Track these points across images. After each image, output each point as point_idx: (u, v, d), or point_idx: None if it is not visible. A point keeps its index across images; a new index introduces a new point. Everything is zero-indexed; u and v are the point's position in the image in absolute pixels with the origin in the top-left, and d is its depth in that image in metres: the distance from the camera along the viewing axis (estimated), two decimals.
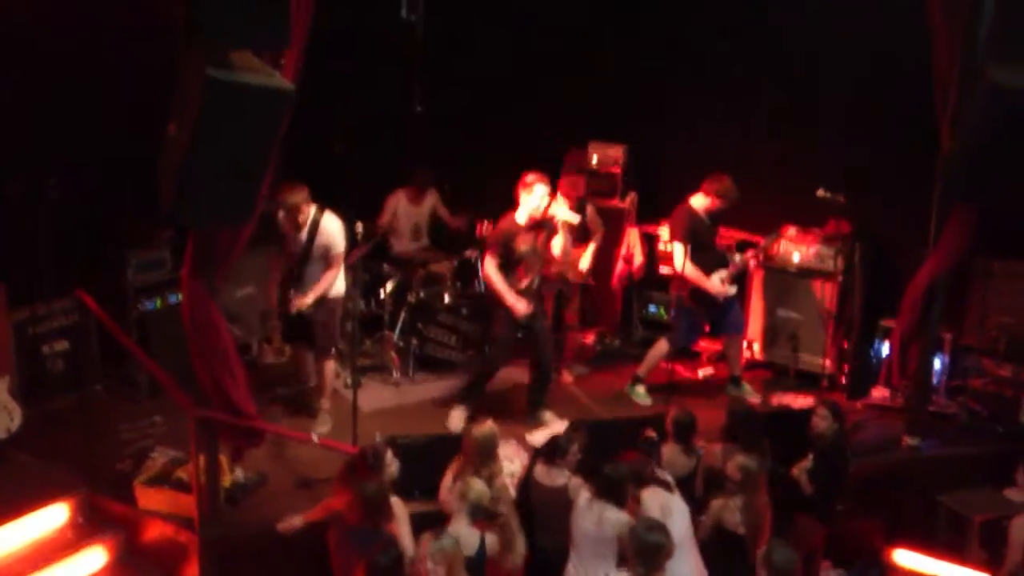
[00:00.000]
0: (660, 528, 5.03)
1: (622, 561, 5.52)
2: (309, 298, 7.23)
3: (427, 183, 9.24)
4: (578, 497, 5.77)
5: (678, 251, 7.97)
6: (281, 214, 7.27)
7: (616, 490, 5.68)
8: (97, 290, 7.17)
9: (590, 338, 8.99)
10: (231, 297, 8.05)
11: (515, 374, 8.27)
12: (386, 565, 4.91)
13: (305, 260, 7.27)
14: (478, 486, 5.58)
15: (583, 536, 5.68)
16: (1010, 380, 8.25)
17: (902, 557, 7.26)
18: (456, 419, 7.56)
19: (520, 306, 7.45)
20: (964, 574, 6.78)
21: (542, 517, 6.08)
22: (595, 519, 5.61)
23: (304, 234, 7.22)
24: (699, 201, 7.99)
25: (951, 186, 7.04)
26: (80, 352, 7.57)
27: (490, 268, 7.51)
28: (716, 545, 5.74)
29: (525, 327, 7.60)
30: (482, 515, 5.51)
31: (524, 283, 7.51)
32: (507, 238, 7.46)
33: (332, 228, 7.25)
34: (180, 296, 6.75)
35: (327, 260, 7.27)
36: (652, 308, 9.27)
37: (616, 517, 5.66)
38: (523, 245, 7.46)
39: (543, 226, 7.60)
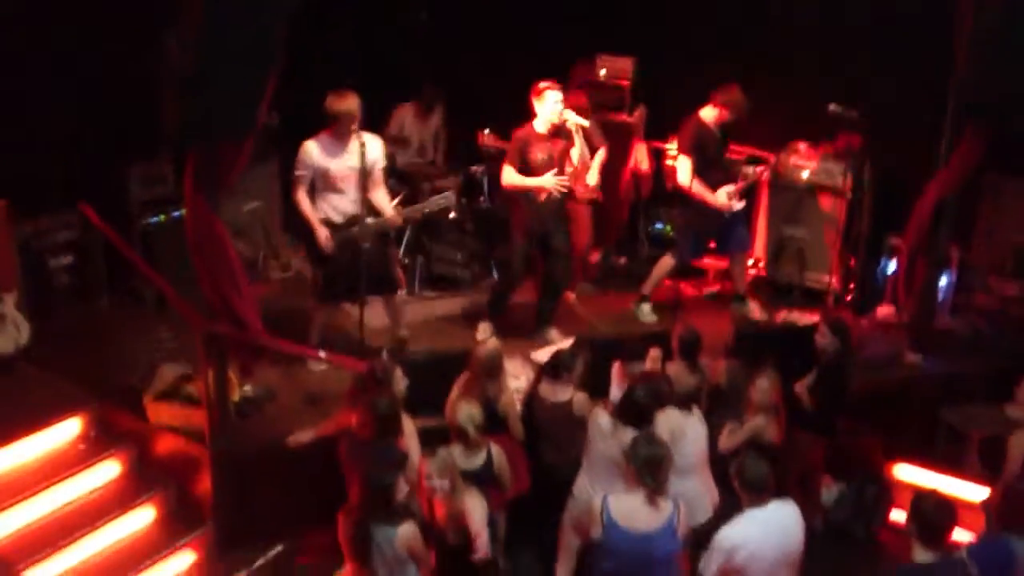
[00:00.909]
0: (658, 441, 5.09)
1: None
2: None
3: (435, 100, 9.12)
4: (596, 418, 5.79)
5: (683, 165, 7.90)
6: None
7: (641, 414, 5.68)
8: (100, 205, 7.14)
9: (595, 256, 8.96)
10: (235, 212, 8.02)
11: (520, 292, 8.33)
12: (385, 483, 4.96)
13: (362, 179, 6.72)
14: (466, 409, 5.63)
15: (601, 457, 5.72)
16: (1016, 298, 8.28)
17: (901, 471, 7.36)
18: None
19: (542, 182, 7.33)
20: (962, 487, 6.86)
21: (547, 432, 6.15)
22: (616, 443, 5.60)
23: (353, 151, 6.73)
24: (708, 113, 7.88)
25: (964, 104, 6.99)
26: (85, 266, 7.56)
27: (508, 174, 7.42)
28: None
29: (540, 239, 7.57)
30: (472, 435, 5.56)
31: (542, 196, 7.46)
32: (523, 145, 7.36)
33: (377, 143, 6.94)
34: (183, 211, 6.74)
35: (373, 178, 6.93)
36: (659, 225, 9.21)
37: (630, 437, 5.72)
38: (539, 153, 7.37)
39: (560, 135, 7.50)
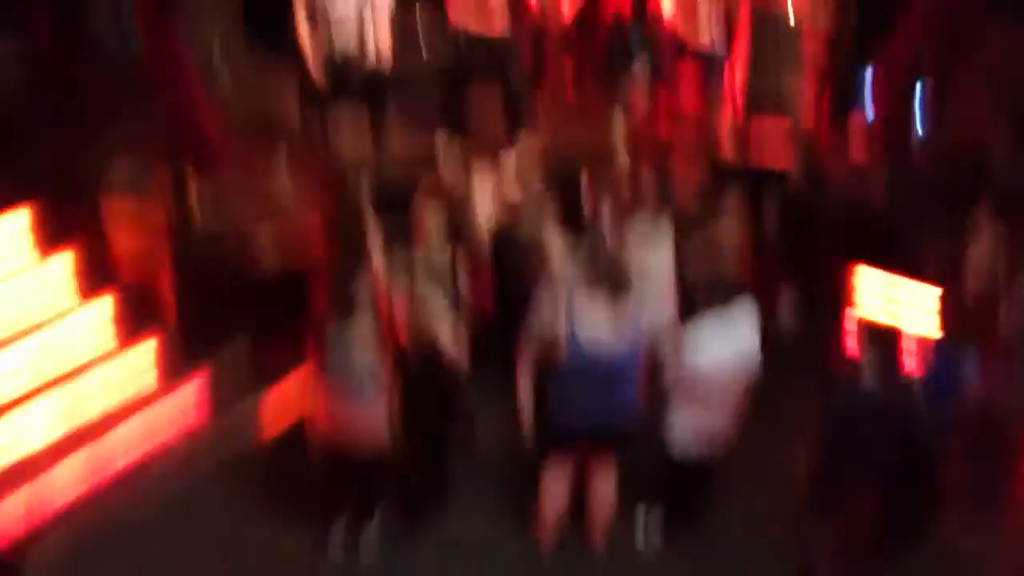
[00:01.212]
0: (621, 256, 5.21)
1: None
2: None
3: None
4: (547, 237, 5.77)
5: None
6: None
7: (576, 214, 5.79)
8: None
9: None
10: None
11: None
12: (347, 281, 4.98)
13: None
14: (431, 208, 5.59)
15: (559, 273, 5.70)
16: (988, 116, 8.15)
17: (859, 278, 7.39)
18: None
19: None
20: (916, 291, 6.93)
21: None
22: (573, 254, 5.68)
23: None
24: None
25: None
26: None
27: None
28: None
29: None
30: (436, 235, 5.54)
31: None
32: None
33: None
34: None
35: None
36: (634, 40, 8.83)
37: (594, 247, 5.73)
38: None
39: None
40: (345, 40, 6.75)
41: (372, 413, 5.10)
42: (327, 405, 5.17)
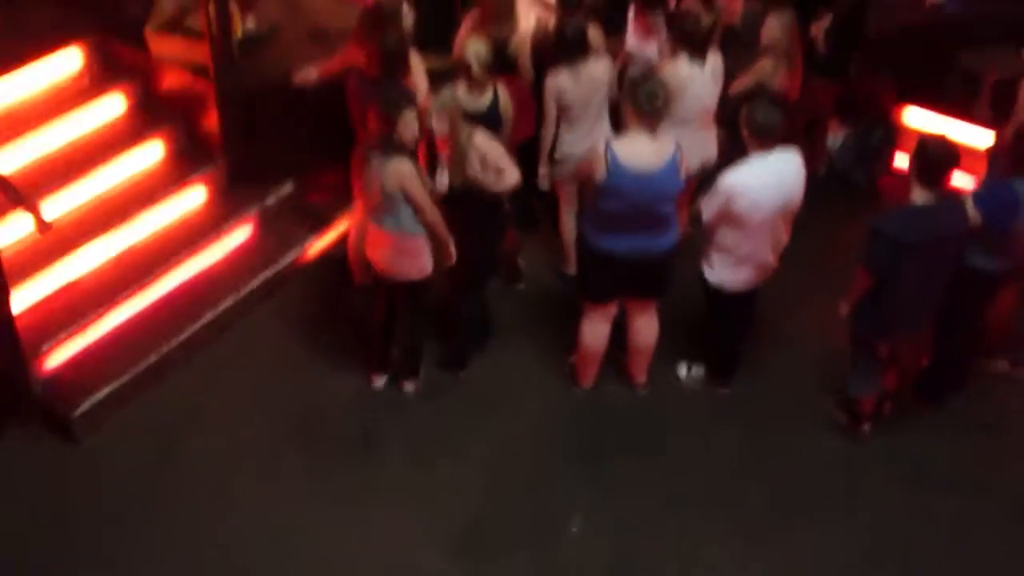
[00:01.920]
0: (652, 77, 5.01)
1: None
2: None
3: None
4: (556, 77, 5.64)
5: None
6: None
7: (577, 41, 5.61)
8: None
9: None
10: None
11: None
12: (392, 112, 4.84)
13: None
14: (474, 46, 5.42)
15: (573, 103, 5.69)
16: None
17: (910, 115, 7.33)
18: None
19: None
20: (971, 131, 6.86)
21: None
22: (590, 81, 5.63)
23: None
24: None
25: None
26: None
27: None
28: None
29: None
30: (479, 73, 5.38)
31: None
32: None
33: None
34: None
35: None
36: None
37: (598, 69, 5.67)
38: None
39: None
40: None
41: (415, 244, 5.13)
42: (372, 236, 5.23)
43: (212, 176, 6.32)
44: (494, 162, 5.16)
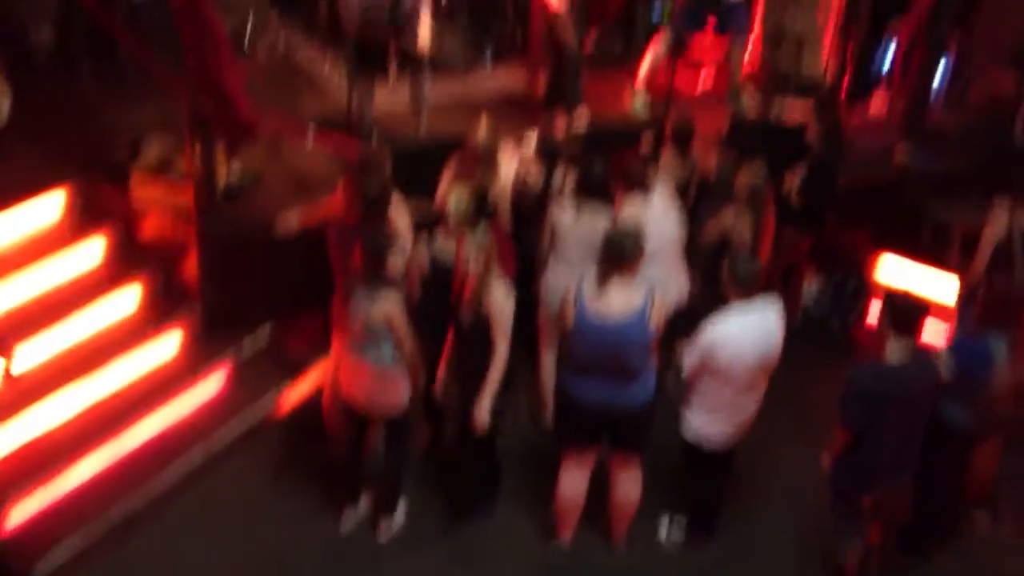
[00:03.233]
0: (630, 228, 5.07)
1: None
2: None
3: None
4: (556, 212, 5.79)
5: None
6: None
7: (591, 183, 5.74)
8: None
9: (588, 42, 8.63)
10: None
11: (513, 79, 8.15)
12: (378, 249, 4.96)
13: None
14: (455, 194, 5.51)
15: (569, 246, 5.78)
16: (1009, 93, 8.15)
17: (884, 265, 7.45)
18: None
19: None
20: (943, 279, 6.98)
21: (536, 216, 6.12)
22: (583, 227, 5.72)
23: None
24: None
25: None
26: (67, 36, 7.23)
27: None
28: (719, 254, 5.79)
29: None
30: (460, 222, 5.46)
31: None
32: None
33: None
34: None
35: None
36: (656, 8, 8.88)
37: (598, 216, 5.76)
38: None
39: None
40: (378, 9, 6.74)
41: (394, 376, 5.15)
42: (351, 370, 5.23)
43: (188, 321, 6.28)
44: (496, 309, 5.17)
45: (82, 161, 6.46)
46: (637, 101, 8.10)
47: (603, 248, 4.95)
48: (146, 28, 7.21)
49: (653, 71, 8.09)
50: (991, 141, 8.00)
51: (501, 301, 5.12)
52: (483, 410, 5.18)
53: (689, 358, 5.13)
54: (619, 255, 4.89)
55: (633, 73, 8.19)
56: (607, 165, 5.88)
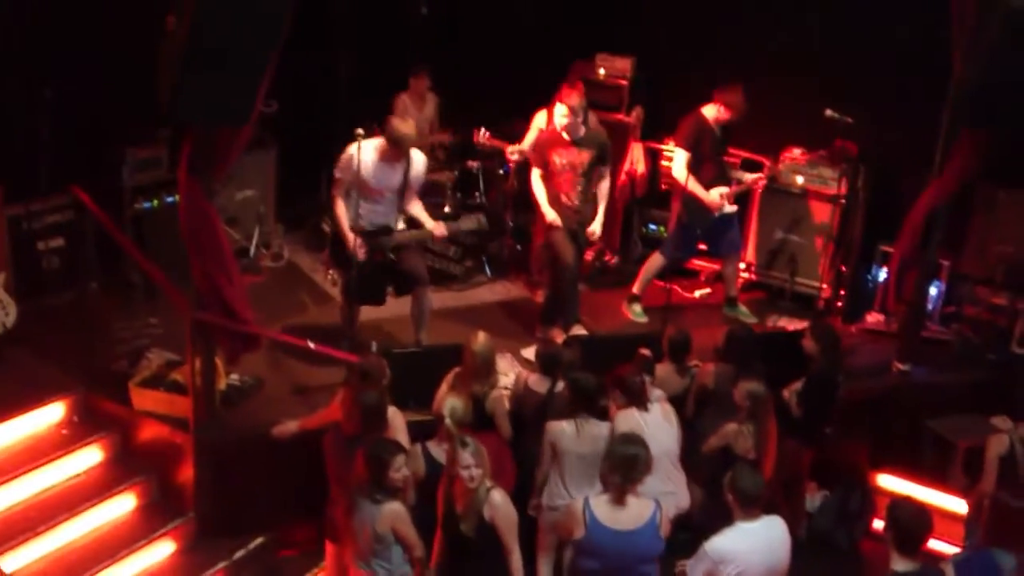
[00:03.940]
0: (637, 441, 5.06)
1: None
2: (442, 229, 7.13)
3: (426, 84, 9.04)
4: (555, 427, 5.80)
5: (679, 157, 7.98)
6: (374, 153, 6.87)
7: (589, 399, 5.78)
8: (93, 188, 7.07)
9: (589, 255, 8.92)
10: (229, 200, 8.00)
11: (511, 290, 8.30)
12: (382, 458, 4.95)
13: (402, 193, 7.02)
14: (450, 402, 5.60)
15: (572, 460, 5.76)
16: (1005, 308, 8.28)
17: (885, 480, 7.38)
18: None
19: (550, 215, 7.51)
20: (943, 499, 6.90)
21: (534, 425, 6.12)
22: (585, 441, 5.73)
23: (398, 170, 6.95)
24: (710, 111, 7.96)
25: (961, 112, 6.97)
26: (76, 250, 7.47)
27: (533, 178, 7.62)
28: (722, 466, 5.76)
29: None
30: (448, 428, 5.47)
31: (562, 197, 7.55)
32: (544, 147, 7.56)
33: (422, 159, 7.12)
34: (177, 197, 6.69)
35: (413, 191, 7.13)
36: (652, 226, 9.19)
37: (599, 431, 5.77)
38: (559, 157, 7.46)
39: (583, 143, 7.52)
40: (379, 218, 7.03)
41: None
42: None
43: (182, 530, 6.23)
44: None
45: (84, 372, 6.60)
46: (633, 307, 8.25)
47: (613, 461, 4.94)
48: (151, 239, 7.52)
49: (649, 285, 8.28)
50: (987, 357, 8.07)
51: (504, 507, 5.07)
52: None
53: (693, 572, 5.00)
54: (632, 467, 4.89)
55: (630, 285, 8.37)
56: (600, 379, 5.94)
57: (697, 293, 8.88)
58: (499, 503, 5.08)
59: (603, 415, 5.93)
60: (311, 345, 6.69)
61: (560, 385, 6.13)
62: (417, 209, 7.15)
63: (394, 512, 4.97)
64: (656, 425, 5.93)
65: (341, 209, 6.94)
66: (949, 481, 7.13)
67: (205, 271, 6.09)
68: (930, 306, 8.22)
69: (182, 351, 6.38)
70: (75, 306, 7.32)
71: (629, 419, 5.87)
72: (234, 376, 6.66)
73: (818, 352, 6.72)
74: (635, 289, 8.32)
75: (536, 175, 7.63)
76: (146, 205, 7.73)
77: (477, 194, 8.95)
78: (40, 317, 6.97)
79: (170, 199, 7.60)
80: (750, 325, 8.22)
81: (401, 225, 7.11)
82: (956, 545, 6.24)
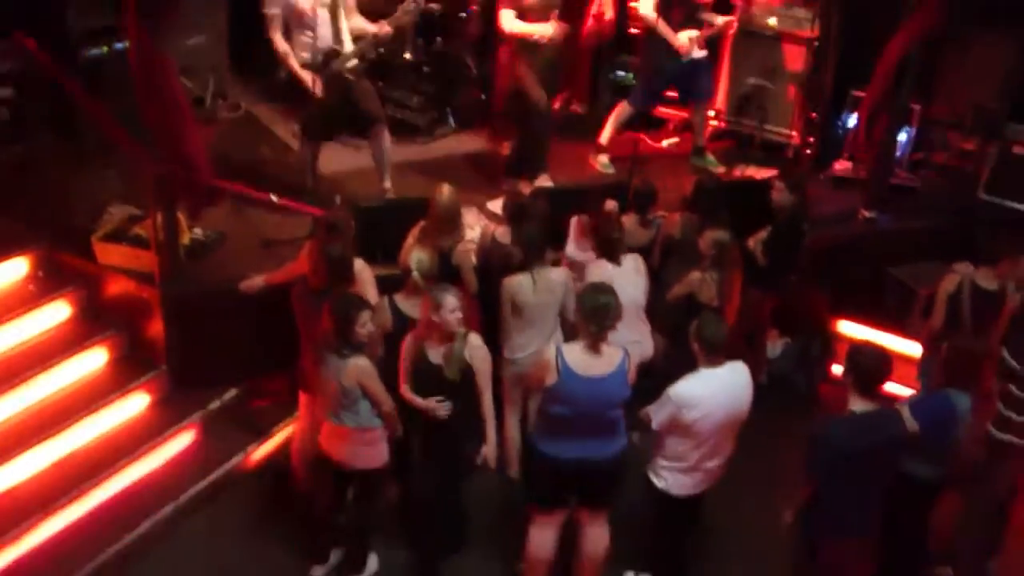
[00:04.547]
0: (607, 290, 5.07)
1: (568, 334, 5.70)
2: (385, 26, 6.83)
3: None
4: (513, 282, 5.82)
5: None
6: None
7: (539, 250, 5.84)
8: (38, 35, 6.77)
9: (555, 104, 8.76)
10: (180, 47, 7.70)
11: (476, 141, 8.18)
12: (347, 314, 4.96)
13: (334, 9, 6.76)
14: (416, 254, 5.60)
15: (533, 311, 5.83)
16: (973, 153, 8.30)
17: (846, 327, 7.51)
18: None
19: (541, 31, 7.33)
20: (902, 344, 7.04)
21: (502, 278, 6.14)
22: (543, 292, 5.79)
23: None
24: None
25: None
26: (25, 102, 7.22)
27: (507, 19, 7.36)
28: (686, 314, 5.81)
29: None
30: (416, 280, 5.52)
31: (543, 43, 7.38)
32: None
33: None
34: (127, 43, 6.44)
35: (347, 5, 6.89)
36: (620, 73, 9.02)
37: (556, 277, 5.84)
38: None
39: None
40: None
41: (374, 436, 5.19)
42: (330, 432, 5.24)
43: (155, 383, 6.26)
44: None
45: (44, 227, 6.48)
46: (600, 159, 8.18)
47: (585, 311, 4.95)
48: (105, 91, 7.22)
49: (616, 134, 8.19)
50: (953, 204, 8.12)
51: (481, 349, 5.23)
52: (492, 446, 5.35)
53: (657, 416, 5.13)
54: (604, 316, 4.90)
55: (597, 135, 8.28)
56: (544, 227, 5.95)
57: (665, 143, 8.81)
58: (477, 344, 5.22)
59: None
60: (274, 199, 6.60)
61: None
62: (357, 21, 6.93)
63: (360, 367, 5.01)
64: (625, 277, 5.98)
65: (284, 47, 6.74)
66: (908, 327, 7.25)
67: (161, 122, 5.93)
68: (899, 152, 8.20)
69: (143, 205, 6.28)
70: (27, 161, 7.12)
71: (600, 270, 5.92)
72: (197, 231, 6.59)
73: (785, 201, 6.72)
74: (602, 139, 8.23)
75: (509, 15, 7.36)
76: (95, 52, 7.39)
77: (438, 39, 8.69)
78: None
79: (120, 45, 7.26)
80: (718, 175, 8.21)
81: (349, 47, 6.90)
82: (912, 388, 6.39)
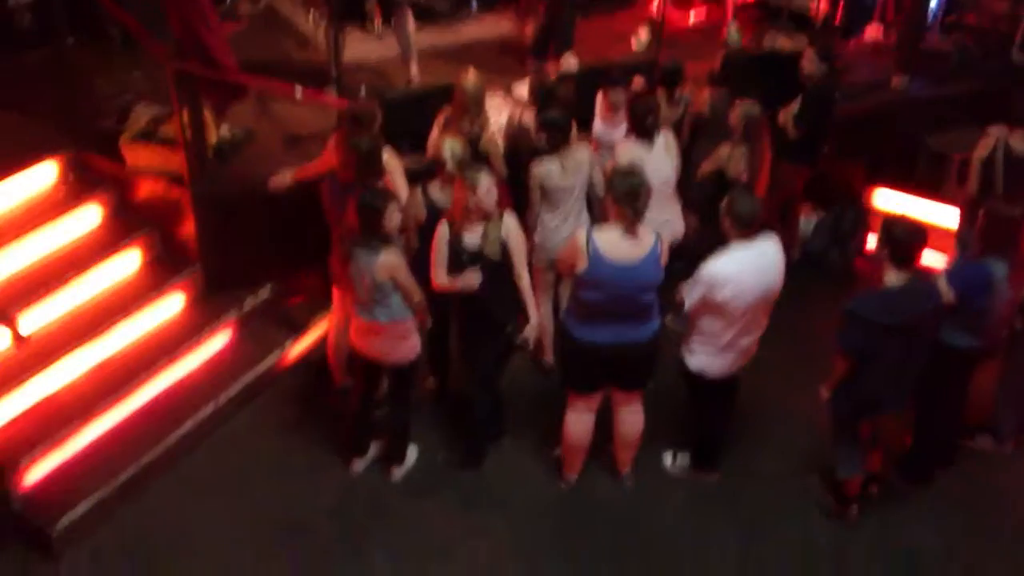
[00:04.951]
0: (636, 171, 5.00)
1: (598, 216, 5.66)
2: None
3: None
4: (540, 165, 5.77)
5: None
6: None
7: (563, 132, 5.76)
8: None
9: None
10: None
11: (500, 23, 7.99)
12: (375, 206, 4.95)
13: None
14: (448, 143, 5.49)
15: (561, 195, 5.80)
16: (1006, 15, 8.07)
17: (880, 198, 7.43)
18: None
19: None
20: (938, 209, 6.96)
21: (528, 162, 6.10)
22: (572, 175, 5.76)
23: None
24: None
25: None
26: (48, 4, 7.09)
27: None
28: (716, 191, 5.76)
29: None
30: (452, 169, 5.43)
31: None
32: None
33: None
34: None
35: None
36: None
37: (581, 156, 5.79)
38: None
39: None
40: None
41: (406, 328, 5.22)
42: (362, 328, 5.28)
43: (189, 283, 6.31)
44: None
45: (71, 130, 6.44)
46: (642, 34, 8.04)
47: (617, 194, 4.88)
48: None
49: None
50: (987, 67, 7.93)
51: (516, 229, 5.21)
52: (534, 325, 5.33)
53: (690, 296, 5.12)
54: (637, 198, 4.84)
55: (618, 15, 8.10)
56: (570, 111, 5.85)
57: (692, 18, 8.60)
58: (512, 225, 5.20)
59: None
60: (299, 94, 6.54)
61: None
62: None
63: (391, 260, 5.00)
64: (657, 156, 5.92)
65: None
66: (943, 193, 7.17)
67: (183, 19, 5.86)
68: (930, 15, 7.98)
69: (168, 105, 6.24)
70: (52, 64, 7.05)
71: (632, 150, 5.85)
72: (224, 129, 6.55)
73: (815, 71, 6.58)
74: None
75: None
76: None
77: None
78: (18, 77, 6.78)
79: None
80: (746, 47, 8.04)
81: None
82: (946, 256, 6.36)
